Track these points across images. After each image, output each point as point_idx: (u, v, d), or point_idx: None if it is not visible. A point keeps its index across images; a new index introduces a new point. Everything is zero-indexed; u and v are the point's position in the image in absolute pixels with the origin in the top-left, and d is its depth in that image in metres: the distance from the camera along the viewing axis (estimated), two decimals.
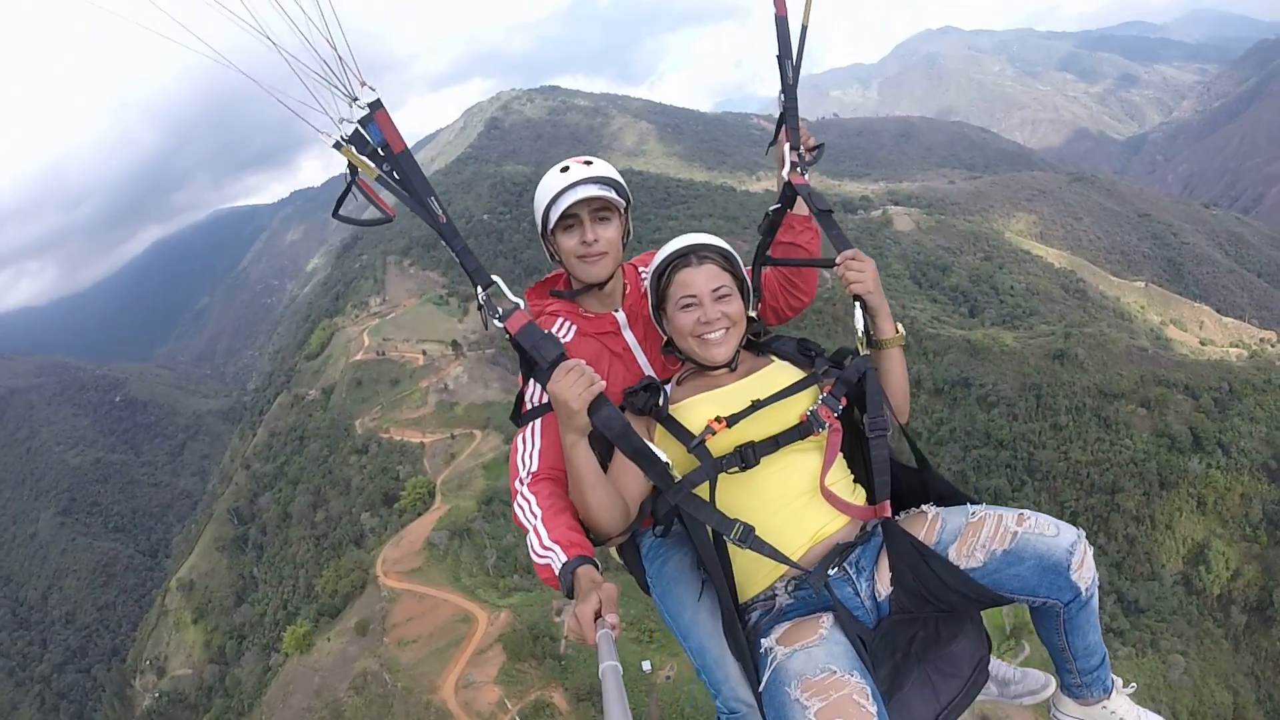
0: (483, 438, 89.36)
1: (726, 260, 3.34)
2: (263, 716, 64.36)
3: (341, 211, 3.27)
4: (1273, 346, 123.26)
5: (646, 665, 52.97)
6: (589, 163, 3.40)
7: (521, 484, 3.20)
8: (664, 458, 3.03)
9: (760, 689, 2.83)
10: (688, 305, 3.25)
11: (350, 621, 65.96)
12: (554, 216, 3.33)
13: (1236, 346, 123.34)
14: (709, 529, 3.03)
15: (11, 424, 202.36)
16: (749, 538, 2.96)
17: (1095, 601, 3.09)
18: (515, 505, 3.19)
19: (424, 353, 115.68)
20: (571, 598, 2.76)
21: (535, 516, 3.06)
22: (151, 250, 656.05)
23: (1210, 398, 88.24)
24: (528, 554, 3.02)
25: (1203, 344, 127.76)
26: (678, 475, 3.06)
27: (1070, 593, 2.93)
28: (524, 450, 3.26)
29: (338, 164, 3.02)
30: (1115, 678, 3.43)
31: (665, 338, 3.43)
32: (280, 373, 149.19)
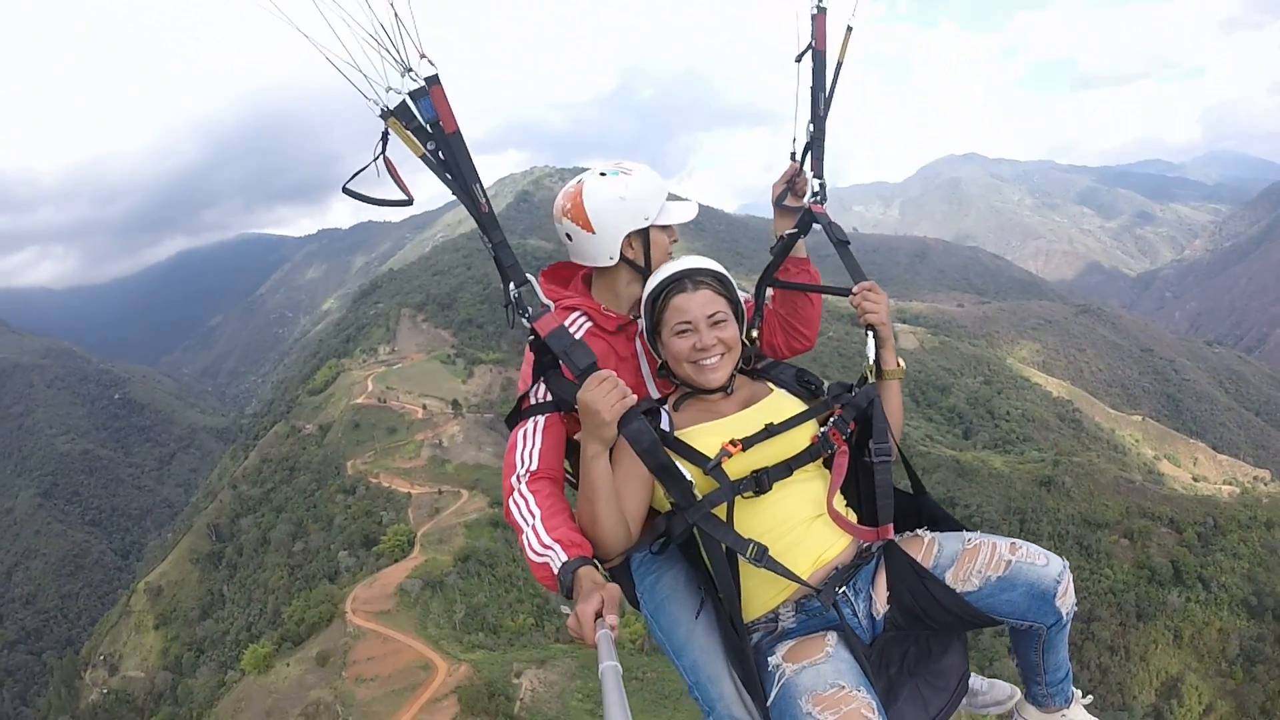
0: (469, 498, 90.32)
1: (722, 285, 3.39)
2: None
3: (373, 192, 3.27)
4: (1265, 485, 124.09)
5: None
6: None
7: (519, 481, 3.19)
8: (688, 475, 3.06)
9: (769, 703, 2.94)
10: (683, 331, 3.27)
11: (312, 651, 66.43)
12: (684, 214, 3.58)
13: (1230, 484, 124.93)
14: (723, 547, 3.07)
15: (8, 398, 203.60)
16: (763, 557, 3.02)
17: (1069, 624, 3.35)
18: (510, 502, 3.19)
19: (424, 407, 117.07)
20: (570, 598, 2.79)
21: (533, 515, 3.06)
22: (176, 259, 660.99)
23: (1194, 532, 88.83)
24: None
25: (1195, 480, 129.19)
26: (699, 494, 3.08)
27: (1054, 617, 3.18)
28: (524, 447, 3.25)
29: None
30: (1075, 690, 3.74)
31: (660, 361, 3.47)
32: (281, 402, 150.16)
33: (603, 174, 3.50)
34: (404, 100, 2.91)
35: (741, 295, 3.58)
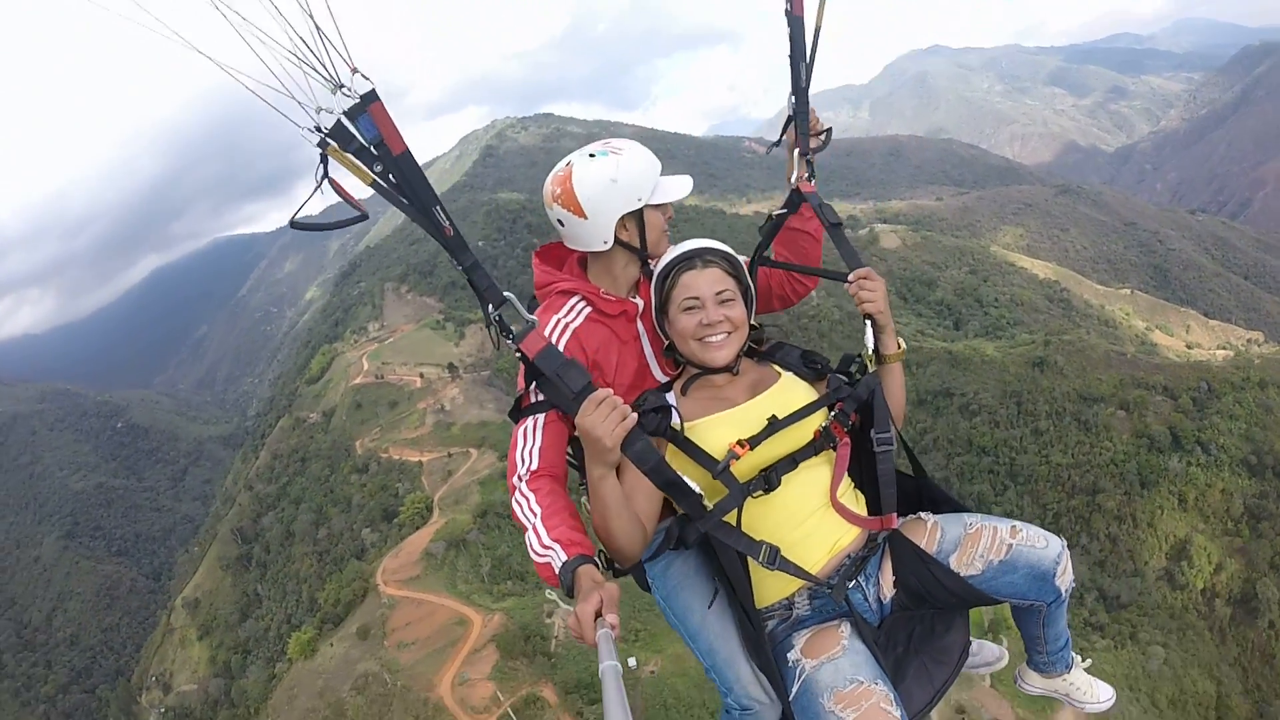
0: (478, 455, 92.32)
1: (731, 265, 3.40)
2: (268, 719, 68.04)
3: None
4: (1259, 346, 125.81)
5: (632, 661, 55.93)
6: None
7: (520, 480, 3.18)
8: (697, 489, 3.05)
9: (791, 698, 3.02)
10: (690, 308, 3.29)
11: (352, 627, 69.16)
12: (679, 190, 3.50)
13: (1224, 349, 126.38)
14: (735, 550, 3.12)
15: (14, 450, 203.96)
16: (776, 559, 3.07)
17: (1069, 598, 3.47)
18: (514, 502, 3.18)
19: (421, 375, 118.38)
20: (572, 596, 2.76)
21: (535, 515, 3.05)
22: (151, 278, 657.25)
23: (1189, 398, 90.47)
24: (526, 552, 3.11)
25: (1189, 347, 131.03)
26: (709, 504, 3.09)
27: (1054, 595, 3.31)
28: (523, 446, 3.23)
29: (335, 196, 2.96)
30: (1075, 655, 3.93)
31: (666, 341, 3.47)
32: (282, 397, 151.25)
33: (591, 155, 3.42)
34: (339, 120, 2.73)
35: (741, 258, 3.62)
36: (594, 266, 3.62)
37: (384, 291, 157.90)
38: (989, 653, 4.13)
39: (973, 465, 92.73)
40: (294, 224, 3.01)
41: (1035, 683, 4.05)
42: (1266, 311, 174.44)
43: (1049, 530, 3.30)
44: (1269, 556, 78.11)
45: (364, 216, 2.96)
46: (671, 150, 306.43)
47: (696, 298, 3.29)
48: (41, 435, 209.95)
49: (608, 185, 3.34)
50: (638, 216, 3.44)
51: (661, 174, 3.51)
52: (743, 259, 3.63)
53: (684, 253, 3.39)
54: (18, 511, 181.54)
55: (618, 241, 3.47)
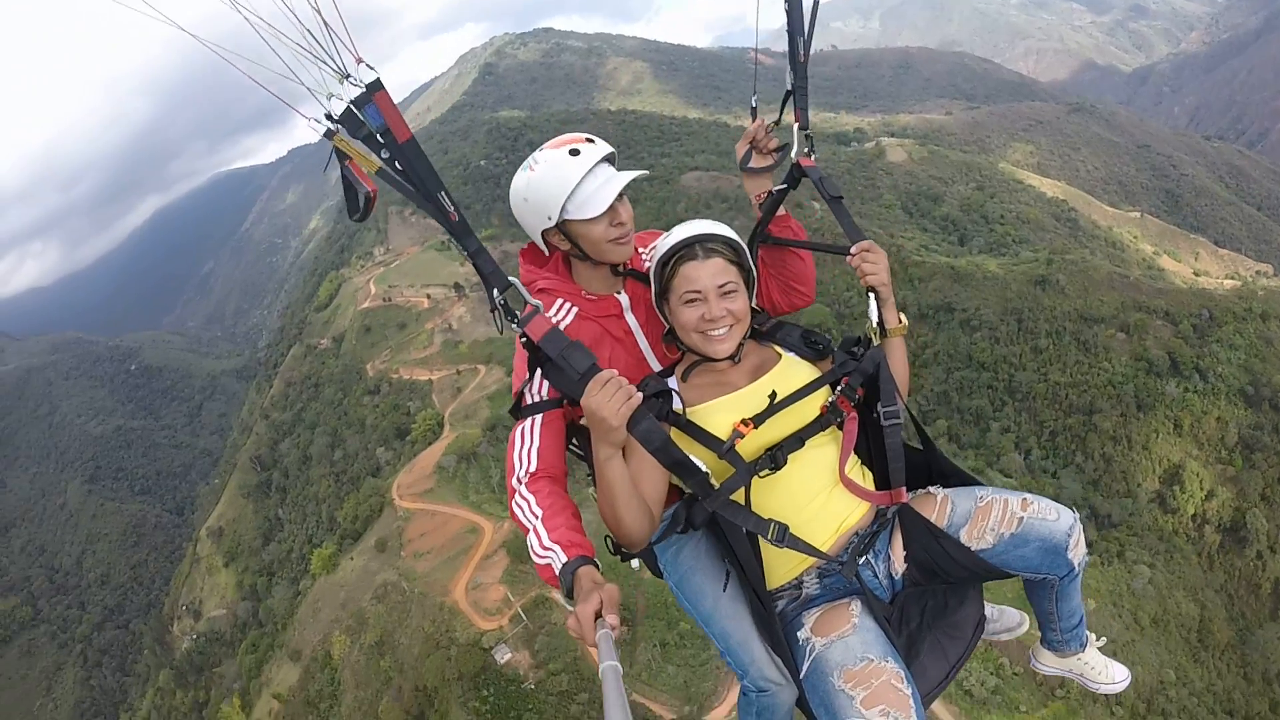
0: (486, 371, 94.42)
1: (734, 252, 3.35)
2: (295, 633, 71.08)
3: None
4: (1267, 279, 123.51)
5: (635, 563, 58.46)
6: (591, 141, 3.36)
7: (520, 483, 3.20)
8: (704, 468, 3.10)
9: (802, 676, 3.09)
10: (692, 300, 3.28)
11: (370, 541, 72.28)
12: (594, 208, 3.29)
13: (1232, 278, 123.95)
14: (744, 530, 3.16)
15: (32, 402, 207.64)
16: (785, 537, 3.13)
17: (1082, 573, 3.49)
18: (513, 504, 3.19)
19: (428, 296, 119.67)
20: (572, 598, 2.75)
21: (535, 517, 3.06)
22: (152, 220, 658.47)
23: (1190, 324, 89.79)
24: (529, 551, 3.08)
25: (1196, 275, 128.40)
26: (716, 483, 3.12)
27: (1066, 568, 3.35)
28: (521, 448, 3.25)
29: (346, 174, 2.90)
30: (1089, 634, 3.92)
31: (666, 327, 3.48)
32: (291, 326, 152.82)
33: (525, 167, 3.40)
34: (348, 109, 2.85)
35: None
36: (575, 264, 3.61)
37: (388, 215, 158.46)
38: (1009, 618, 4.21)
39: (971, 380, 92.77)
40: (353, 218, 3.24)
41: (1050, 662, 4.11)
42: (1278, 244, 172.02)
43: (1061, 503, 3.37)
44: (1260, 488, 78.49)
45: (368, 206, 3.11)
46: (675, 63, 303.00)
47: (698, 291, 3.30)
48: (57, 385, 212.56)
49: (521, 204, 3.40)
50: (566, 228, 3.39)
51: (618, 167, 3.45)
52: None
53: (685, 239, 3.37)
54: (40, 461, 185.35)
55: (559, 247, 3.54)
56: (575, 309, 3.49)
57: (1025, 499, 3.28)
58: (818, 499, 3.25)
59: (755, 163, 3.88)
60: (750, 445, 3.17)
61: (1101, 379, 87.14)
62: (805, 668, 3.06)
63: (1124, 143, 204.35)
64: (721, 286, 3.28)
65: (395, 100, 2.91)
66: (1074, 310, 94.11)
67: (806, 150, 3.81)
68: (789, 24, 3.74)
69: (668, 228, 3.46)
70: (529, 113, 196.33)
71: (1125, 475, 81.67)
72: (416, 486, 76.80)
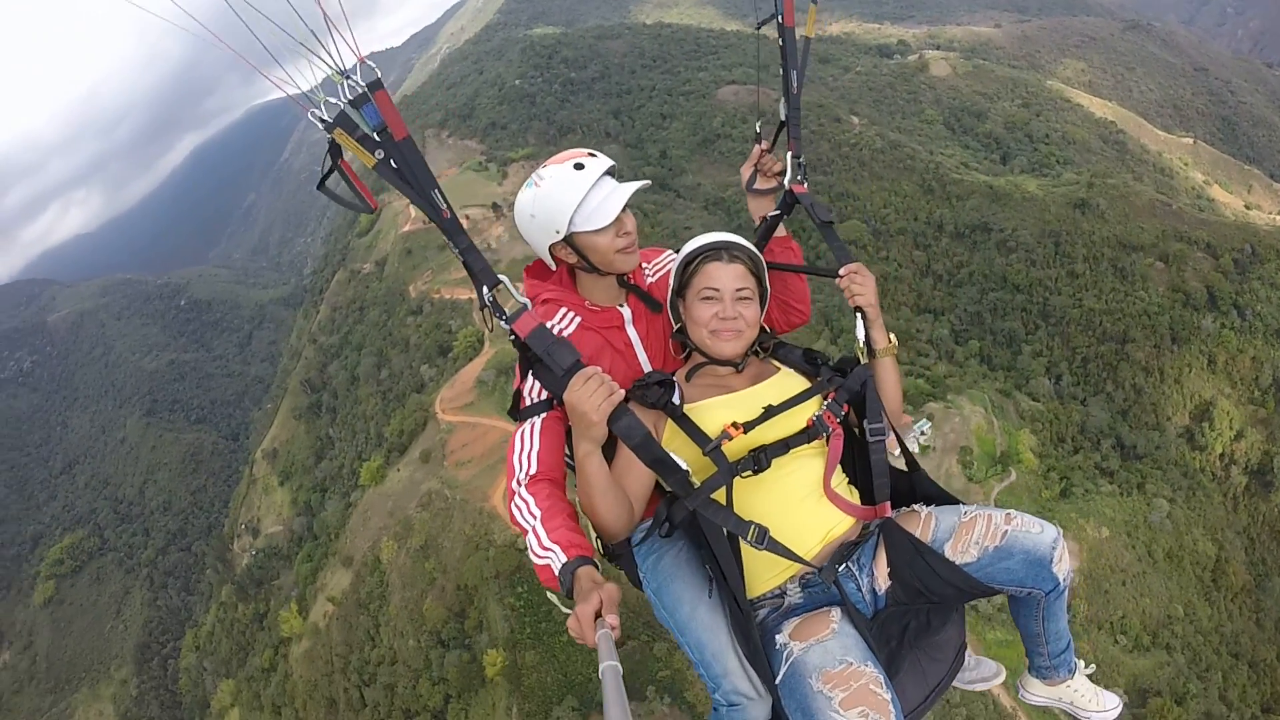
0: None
1: (754, 264, 3.56)
2: (347, 541, 75.96)
3: (332, 187, 3.38)
4: None
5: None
6: (594, 155, 3.46)
7: (519, 485, 3.28)
8: (684, 465, 3.17)
9: (777, 681, 3.06)
10: (709, 297, 3.45)
11: (415, 453, 76.59)
12: (601, 219, 3.41)
13: None
14: (724, 531, 3.19)
15: (87, 344, 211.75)
16: (764, 539, 3.15)
17: (1068, 591, 3.55)
18: (512, 506, 3.29)
19: (467, 217, 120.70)
20: (571, 598, 2.82)
21: (534, 518, 3.15)
22: (192, 157, 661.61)
23: (1230, 258, 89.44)
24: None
25: (1248, 208, 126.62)
26: (696, 481, 3.19)
27: (1052, 582, 3.37)
28: (521, 451, 3.32)
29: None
30: (1078, 660, 3.97)
31: (677, 325, 3.63)
32: (335, 253, 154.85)
33: (529, 184, 3.51)
34: (349, 106, 3.01)
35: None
36: (580, 277, 3.70)
37: (424, 138, 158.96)
38: (986, 669, 4.17)
39: (1005, 302, 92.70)
40: (320, 189, 3.38)
41: (1038, 691, 4.05)
42: None
43: (1044, 518, 3.44)
44: None
45: (371, 210, 3.34)
46: None
47: (717, 289, 3.47)
48: (110, 326, 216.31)
49: (528, 220, 3.48)
50: (573, 241, 3.49)
51: (620, 180, 3.57)
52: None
53: (712, 243, 3.56)
54: (99, 400, 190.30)
55: (565, 261, 3.62)
56: (578, 319, 3.59)
57: (1009, 514, 3.36)
58: (801, 506, 3.36)
59: (760, 184, 4.26)
60: (736, 446, 3.30)
61: (1137, 308, 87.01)
62: (782, 672, 3.06)
63: (1181, 64, 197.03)
64: (739, 290, 3.50)
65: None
66: (1113, 236, 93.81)
67: (799, 177, 4.12)
68: (783, 58, 4.13)
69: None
70: (564, 29, 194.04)
71: (1155, 408, 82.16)
72: (458, 400, 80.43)
